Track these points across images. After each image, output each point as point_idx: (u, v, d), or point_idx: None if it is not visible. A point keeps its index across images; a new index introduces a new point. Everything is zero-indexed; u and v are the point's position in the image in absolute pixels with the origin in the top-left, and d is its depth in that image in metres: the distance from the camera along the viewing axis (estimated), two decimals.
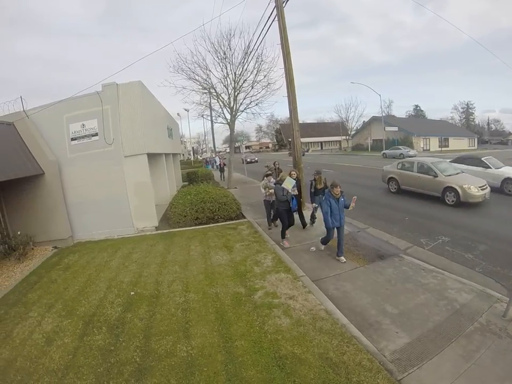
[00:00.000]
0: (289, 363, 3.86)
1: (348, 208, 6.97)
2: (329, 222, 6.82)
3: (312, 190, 9.46)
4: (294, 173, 8.64)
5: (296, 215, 8.79)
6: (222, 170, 26.12)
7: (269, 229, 9.72)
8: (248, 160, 38.79)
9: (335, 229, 7.03)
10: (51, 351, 4.51)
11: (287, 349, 4.11)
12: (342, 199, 6.87)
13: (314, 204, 9.54)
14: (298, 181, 9.02)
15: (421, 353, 3.95)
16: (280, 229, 8.54)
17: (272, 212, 9.67)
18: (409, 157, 35.33)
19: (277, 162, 12.99)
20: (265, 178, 9.55)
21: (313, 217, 9.86)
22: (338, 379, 3.54)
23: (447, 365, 3.70)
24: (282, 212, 8.12)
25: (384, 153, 40.20)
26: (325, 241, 7.51)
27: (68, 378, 3.93)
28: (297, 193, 8.58)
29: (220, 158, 32.00)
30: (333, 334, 4.36)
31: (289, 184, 7.85)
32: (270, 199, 9.36)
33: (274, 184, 8.60)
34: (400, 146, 40.43)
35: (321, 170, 9.53)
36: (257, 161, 42.06)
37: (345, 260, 6.89)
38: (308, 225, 9.69)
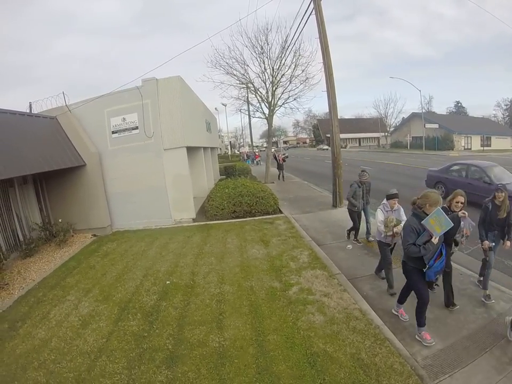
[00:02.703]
0: (320, 361, 3.77)
1: None
2: None
3: (488, 219, 4.99)
4: (462, 196, 4.63)
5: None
6: (281, 167, 19.82)
7: (391, 294, 5.28)
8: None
9: None
10: (85, 334, 4.63)
11: (319, 347, 4.01)
12: None
13: (488, 242, 4.95)
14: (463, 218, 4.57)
15: (454, 361, 3.75)
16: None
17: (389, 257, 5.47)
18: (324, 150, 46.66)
19: (365, 172, 7.71)
20: (384, 202, 5.45)
21: (487, 269, 5.05)
22: (368, 381, 3.43)
23: (479, 376, 3.50)
24: (414, 272, 4.08)
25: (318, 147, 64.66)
26: None
27: (100, 361, 4.01)
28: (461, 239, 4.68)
29: (278, 154, 21.80)
30: (366, 334, 4.21)
31: (438, 225, 3.64)
32: (390, 240, 5.38)
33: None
34: (321, 144, 68.35)
35: (506, 186, 5.02)
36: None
37: None
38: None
